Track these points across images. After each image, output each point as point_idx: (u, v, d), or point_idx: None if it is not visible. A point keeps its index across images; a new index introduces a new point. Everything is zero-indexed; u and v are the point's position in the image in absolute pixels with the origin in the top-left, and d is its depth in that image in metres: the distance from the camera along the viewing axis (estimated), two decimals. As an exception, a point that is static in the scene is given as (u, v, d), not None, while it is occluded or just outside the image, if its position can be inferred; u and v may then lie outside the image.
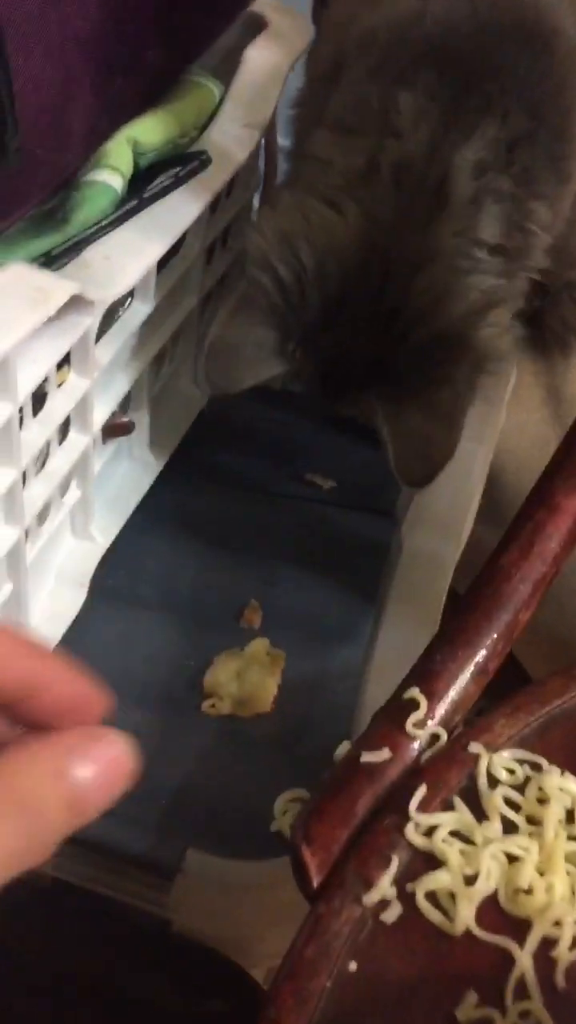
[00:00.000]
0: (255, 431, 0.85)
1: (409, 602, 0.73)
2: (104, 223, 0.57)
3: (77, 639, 0.69)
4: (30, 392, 0.56)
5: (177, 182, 0.61)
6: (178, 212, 0.65)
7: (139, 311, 0.69)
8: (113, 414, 0.71)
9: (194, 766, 0.64)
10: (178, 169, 0.62)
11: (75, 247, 0.56)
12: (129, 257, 0.59)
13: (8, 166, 0.49)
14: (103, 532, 0.74)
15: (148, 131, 0.64)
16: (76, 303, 0.58)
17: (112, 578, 0.73)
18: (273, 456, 0.84)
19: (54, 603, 0.70)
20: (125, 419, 0.73)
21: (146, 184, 0.62)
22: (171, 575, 0.75)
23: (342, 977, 0.41)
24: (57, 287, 0.51)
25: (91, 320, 0.60)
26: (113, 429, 0.72)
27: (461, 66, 0.61)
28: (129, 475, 0.78)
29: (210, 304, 0.81)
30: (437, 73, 0.61)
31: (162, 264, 0.69)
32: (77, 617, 0.70)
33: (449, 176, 0.60)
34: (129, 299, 0.69)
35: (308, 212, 0.62)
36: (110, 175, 0.60)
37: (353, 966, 0.41)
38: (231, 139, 0.72)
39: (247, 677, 0.68)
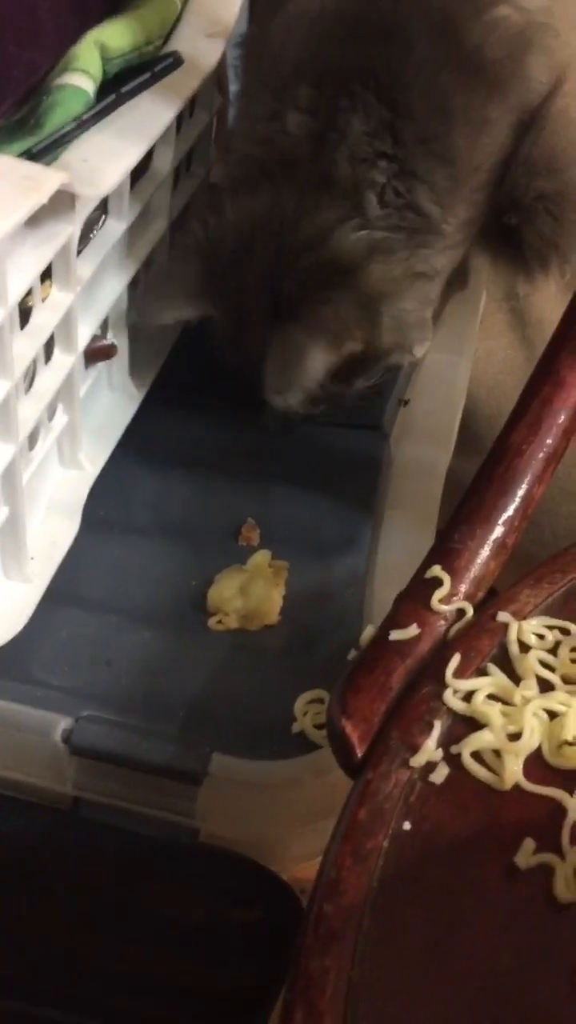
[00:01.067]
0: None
1: (406, 508, 0.73)
2: (85, 117, 0.56)
3: (74, 568, 0.68)
4: (18, 299, 0.54)
5: (153, 78, 0.60)
6: (152, 117, 0.64)
7: (114, 228, 0.68)
8: (95, 337, 0.69)
9: (207, 679, 0.63)
10: (152, 68, 0.60)
11: (54, 144, 0.54)
12: (108, 159, 0.58)
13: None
14: (91, 460, 0.72)
15: (115, 36, 0.62)
16: (57, 209, 0.56)
17: (104, 508, 0.72)
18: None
19: (49, 532, 0.68)
20: (107, 342, 0.71)
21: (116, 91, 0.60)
22: (164, 501, 0.74)
23: (398, 836, 0.41)
24: (47, 175, 0.50)
25: (72, 228, 0.59)
26: (96, 352, 0.70)
27: (332, 72, 0.68)
28: (112, 404, 0.77)
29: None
30: (316, 88, 0.68)
31: (132, 184, 0.68)
32: (73, 547, 0.69)
33: (330, 171, 0.67)
34: (103, 216, 0.68)
35: (231, 195, 0.71)
36: (81, 78, 0.59)
37: (407, 825, 0.41)
38: (195, 48, 0.70)
39: (251, 590, 0.67)
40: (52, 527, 0.69)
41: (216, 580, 0.68)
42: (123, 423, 0.76)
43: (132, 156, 0.60)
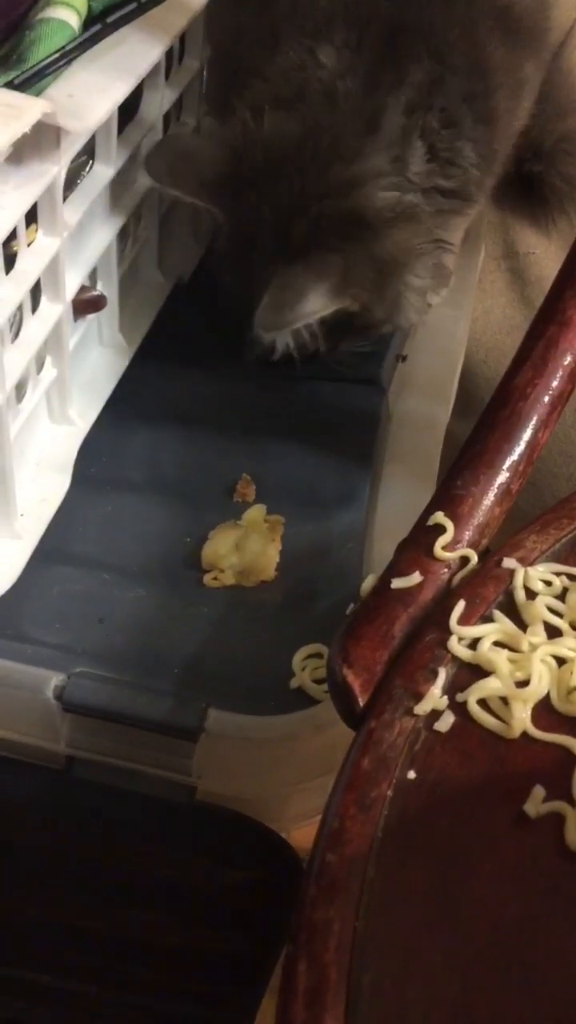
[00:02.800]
0: (228, 310, 0.82)
1: (405, 462, 0.72)
2: (68, 48, 0.53)
3: (66, 524, 0.66)
4: (3, 237, 0.52)
5: (139, 8, 0.58)
6: (138, 53, 0.62)
7: (101, 174, 0.66)
8: (83, 288, 0.67)
9: (203, 635, 0.62)
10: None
11: (37, 75, 0.52)
12: (94, 94, 0.56)
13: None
14: (81, 416, 0.70)
15: (101, -31, 0.60)
16: (41, 147, 0.54)
17: (95, 465, 0.70)
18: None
19: (39, 489, 0.67)
20: (96, 292, 0.69)
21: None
22: (157, 458, 0.72)
23: (402, 785, 0.39)
24: (30, 103, 0.47)
25: (57, 168, 0.57)
26: (85, 303, 0.68)
27: (374, 21, 0.66)
28: (102, 359, 0.75)
29: (171, 220, 0.80)
30: (355, 33, 0.66)
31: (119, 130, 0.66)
32: (64, 504, 0.67)
33: (381, 114, 0.64)
34: (90, 162, 0.66)
35: (271, 105, 0.66)
36: (65, 11, 0.57)
37: (412, 774, 0.40)
38: (184, -14, 0.68)
39: (247, 546, 0.65)
40: (42, 483, 0.67)
41: (211, 536, 0.66)
42: (114, 378, 0.74)
43: (119, 91, 0.58)
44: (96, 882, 0.62)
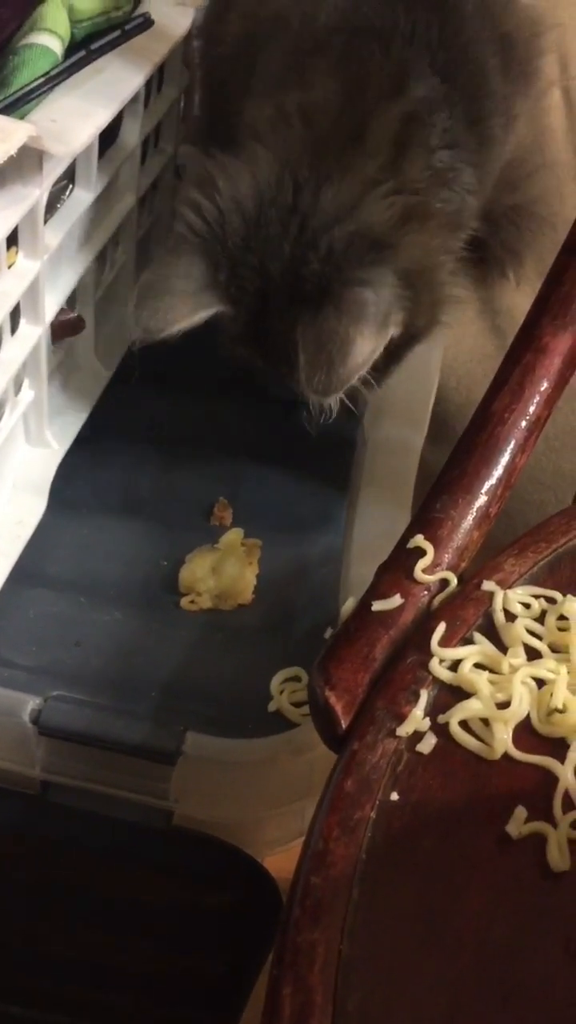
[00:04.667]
0: (204, 336, 0.83)
1: (381, 487, 0.72)
2: (53, 73, 0.54)
3: (41, 547, 0.66)
4: (-16, 263, 0.53)
5: (123, 36, 0.58)
6: (120, 80, 0.62)
7: (81, 199, 0.66)
8: (62, 310, 0.67)
9: (181, 659, 0.62)
10: (122, 26, 0.58)
11: (21, 99, 0.52)
12: (77, 119, 0.56)
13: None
14: (58, 439, 0.70)
15: (84, -4, 0.60)
16: (23, 171, 0.54)
17: (71, 489, 0.70)
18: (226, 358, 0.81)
19: (15, 511, 0.66)
20: (74, 315, 0.70)
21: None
22: (133, 482, 0.72)
23: (385, 807, 0.39)
24: (16, 126, 0.48)
25: (39, 192, 0.57)
26: (63, 326, 0.68)
27: (375, 35, 0.62)
28: (79, 384, 0.75)
29: (148, 244, 0.79)
30: (350, 39, 0.62)
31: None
32: (40, 527, 0.67)
33: (368, 119, 0.60)
34: (70, 187, 0.66)
35: (223, 160, 0.62)
36: (48, 38, 0.57)
37: (395, 796, 0.40)
38: (164, 16, 0.69)
39: (224, 570, 0.65)
40: (18, 506, 0.67)
41: (188, 560, 0.66)
42: (90, 402, 0.74)
43: (101, 117, 0.58)
44: (69, 908, 0.61)
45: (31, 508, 0.67)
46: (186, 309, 0.60)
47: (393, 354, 0.63)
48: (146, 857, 0.60)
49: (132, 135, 0.72)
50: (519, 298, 1.05)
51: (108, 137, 0.69)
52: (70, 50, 0.61)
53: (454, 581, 0.49)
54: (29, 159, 0.55)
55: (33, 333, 0.63)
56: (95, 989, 0.62)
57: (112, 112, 0.59)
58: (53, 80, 0.54)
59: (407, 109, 0.61)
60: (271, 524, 0.69)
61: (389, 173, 0.60)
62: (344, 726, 0.43)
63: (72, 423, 0.72)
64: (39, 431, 0.69)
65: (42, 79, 0.54)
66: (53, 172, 0.58)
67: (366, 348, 0.57)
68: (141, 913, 0.61)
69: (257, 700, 0.59)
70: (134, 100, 0.70)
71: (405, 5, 0.63)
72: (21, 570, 0.64)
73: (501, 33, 0.66)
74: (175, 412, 0.76)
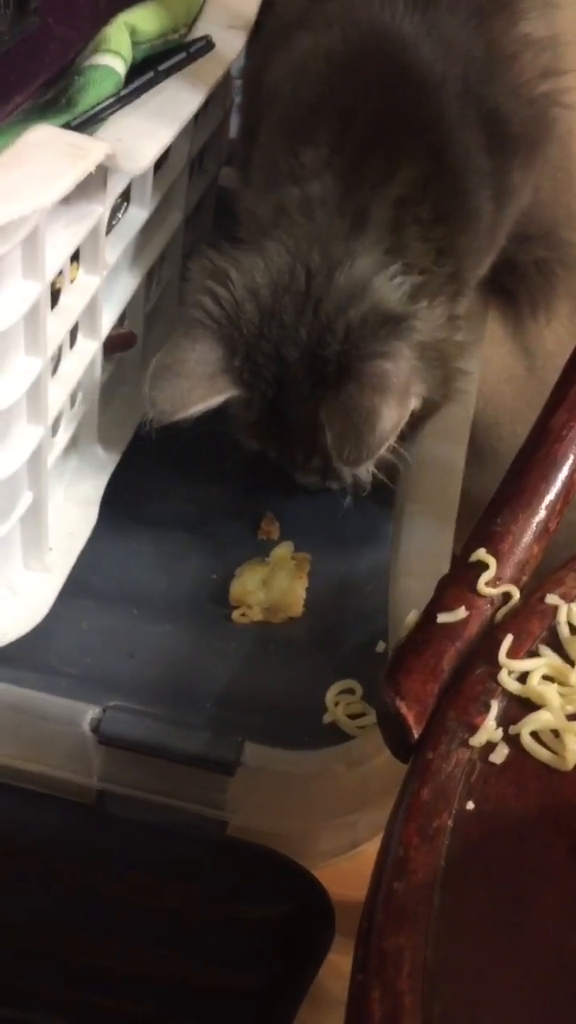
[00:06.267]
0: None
1: (426, 502, 0.72)
2: (123, 93, 0.55)
3: (92, 560, 0.67)
4: (53, 276, 0.53)
5: (188, 58, 0.60)
6: (180, 101, 0.63)
7: (136, 216, 0.68)
8: (114, 326, 0.68)
9: (234, 671, 0.62)
10: (187, 49, 0.59)
11: (92, 119, 0.53)
12: (141, 138, 0.57)
13: (28, 24, 0.46)
14: (109, 452, 0.71)
15: (145, 19, 0.62)
16: (88, 190, 0.56)
17: (121, 501, 0.71)
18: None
19: (67, 523, 0.67)
20: (126, 330, 0.71)
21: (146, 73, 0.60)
22: (181, 495, 0.73)
23: (462, 815, 0.40)
24: (93, 144, 0.49)
25: (103, 209, 0.58)
26: (116, 341, 0.69)
27: (363, 122, 0.64)
28: (127, 399, 0.75)
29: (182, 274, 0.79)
30: (339, 127, 0.63)
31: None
32: (90, 539, 0.68)
33: (367, 208, 0.62)
34: (125, 204, 0.67)
35: (233, 253, 0.63)
36: (112, 59, 0.58)
37: (471, 805, 0.40)
38: (217, 39, 0.70)
39: (274, 583, 0.66)
40: (70, 518, 0.68)
41: (238, 573, 0.67)
42: (139, 416, 0.75)
43: (165, 136, 0.59)
44: (120, 920, 0.62)
45: (82, 520, 0.68)
46: (201, 392, 0.61)
47: (416, 426, 0.65)
48: (199, 868, 0.60)
49: (182, 154, 0.73)
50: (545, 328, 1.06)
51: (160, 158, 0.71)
52: (131, 71, 0.62)
53: (517, 595, 0.49)
54: (95, 177, 0.56)
55: (90, 348, 0.64)
56: (144, 1003, 0.62)
57: (175, 131, 0.60)
58: (124, 100, 0.55)
59: (400, 193, 0.63)
60: (318, 540, 0.70)
61: (394, 255, 0.62)
62: (416, 735, 0.43)
63: (121, 437, 0.73)
64: (90, 445, 0.70)
65: (113, 99, 0.55)
66: (115, 190, 0.59)
67: (392, 417, 0.58)
68: (192, 925, 0.62)
69: (311, 712, 0.59)
70: (183, 127, 0.72)
71: (385, 89, 0.64)
72: (72, 582, 0.65)
73: (486, 111, 0.67)
74: (222, 429, 0.77)
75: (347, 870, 0.61)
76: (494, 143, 0.66)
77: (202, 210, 0.85)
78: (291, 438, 0.63)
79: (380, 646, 0.63)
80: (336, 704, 0.59)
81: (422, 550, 0.68)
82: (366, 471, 0.61)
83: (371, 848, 0.62)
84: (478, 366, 0.89)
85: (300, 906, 0.58)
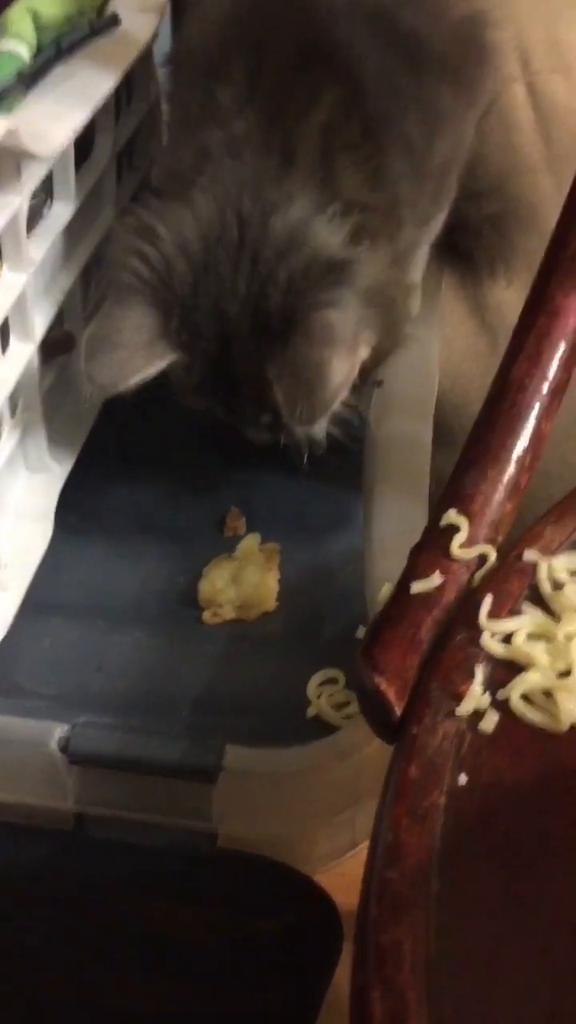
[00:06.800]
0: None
1: (395, 482, 0.69)
2: (26, 73, 0.52)
3: (52, 573, 0.64)
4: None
5: (93, 33, 0.57)
6: (90, 84, 0.61)
7: (61, 211, 0.65)
8: (50, 329, 0.65)
9: (209, 674, 0.59)
10: (92, 25, 0.57)
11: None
12: (52, 122, 0.55)
13: None
14: (59, 461, 0.68)
15: (48, 3, 0.59)
16: (2, 175, 0.53)
17: (77, 511, 0.68)
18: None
19: (20, 539, 0.64)
20: (64, 332, 0.68)
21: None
22: (139, 501, 0.70)
23: (454, 791, 0.36)
24: (-6, 122, 0.46)
25: (20, 199, 0.55)
26: (53, 344, 0.66)
27: (273, 47, 0.61)
28: (73, 405, 0.72)
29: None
30: (253, 62, 0.61)
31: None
32: (48, 552, 0.65)
33: (293, 140, 0.59)
34: (49, 200, 0.65)
35: (158, 206, 0.60)
36: (15, 44, 0.56)
37: (463, 779, 0.37)
38: (129, 22, 0.67)
39: (244, 578, 0.63)
40: (24, 533, 0.65)
41: (205, 573, 0.64)
42: (88, 422, 0.72)
43: (77, 119, 0.57)
44: (112, 954, 0.58)
45: (37, 534, 0.65)
46: (139, 362, 0.58)
47: (365, 376, 0.62)
48: (192, 887, 0.56)
49: (106, 147, 0.71)
50: (508, 294, 1.04)
51: (83, 152, 0.68)
52: (36, 58, 0.59)
53: (493, 555, 0.46)
54: (6, 165, 0.53)
55: (24, 351, 0.61)
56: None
57: (86, 115, 0.58)
58: (28, 81, 0.52)
59: (324, 119, 0.60)
60: (286, 529, 0.67)
61: (329, 192, 0.59)
62: (398, 712, 0.40)
63: (71, 445, 0.70)
64: (39, 455, 0.67)
65: (14, 81, 0.52)
66: (32, 179, 0.56)
67: (343, 370, 0.55)
68: (191, 952, 0.58)
69: (294, 708, 0.56)
70: (105, 111, 0.69)
71: (294, 16, 0.62)
72: (32, 599, 0.62)
73: (403, 32, 0.65)
74: (174, 425, 0.74)
75: (350, 873, 0.57)
76: (416, 64, 0.64)
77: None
78: (238, 397, 0.60)
79: (360, 631, 0.60)
80: (319, 696, 0.56)
81: (397, 530, 0.64)
82: (319, 428, 0.58)
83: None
84: (438, 337, 0.86)
85: (303, 916, 0.55)
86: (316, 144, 0.60)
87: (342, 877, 0.58)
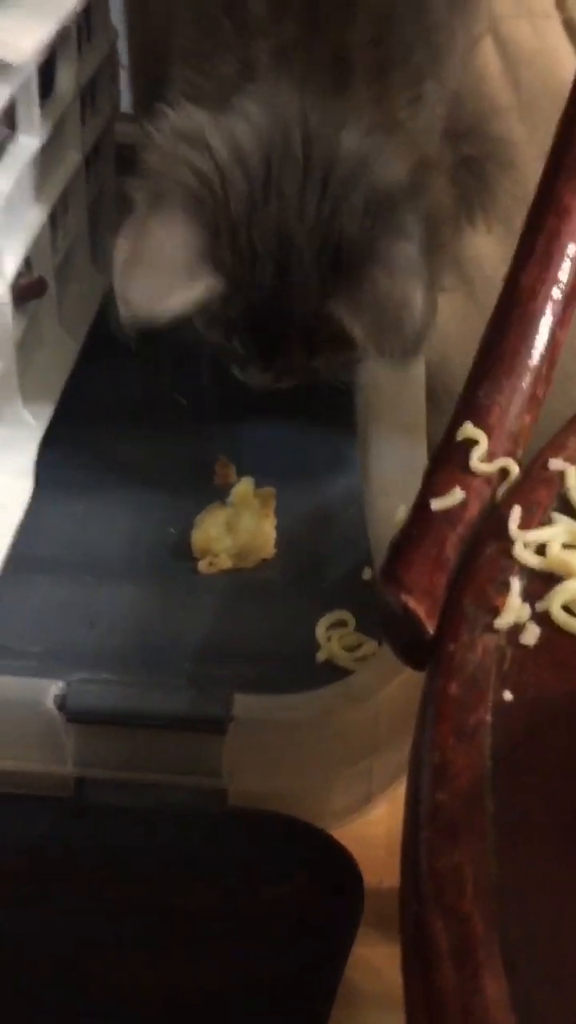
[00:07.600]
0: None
1: (391, 419, 0.66)
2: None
3: (36, 532, 0.60)
4: None
5: None
6: (52, 3, 0.56)
7: (27, 143, 0.61)
8: (20, 274, 0.61)
9: (209, 625, 0.55)
10: None
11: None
12: (17, 34, 0.51)
13: None
14: (35, 415, 0.64)
15: None
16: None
17: (58, 466, 0.64)
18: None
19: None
20: (35, 276, 0.64)
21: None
22: (123, 452, 0.66)
23: (500, 708, 0.33)
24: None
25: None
26: (25, 288, 0.62)
27: None
28: (48, 356, 0.68)
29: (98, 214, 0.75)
30: None
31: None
32: (30, 510, 0.61)
33: (345, 53, 0.55)
34: (14, 134, 0.61)
35: (204, 115, 0.54)
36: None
37: (508, 696, 0.34)
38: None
39: (240, 525, 0.59)
40: (2, 490, 0.61)
41: (197, 522, 0.60)
42: (63, 373, 0.69)
43: (43, 31, 0.53)
44: (121, 927, 0.54)
45: (16, 491, 0.61)
46: (181, 287, 0.52)
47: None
48: (202, 852, 0.53)
49: (68, 82, 0.67)
50: (486, 247, 1.01)
51: (45, 88, 0.64)
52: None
53: (515, 468, 0.43)
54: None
55: (-5, 293, 0.57)
56: (160, 1018, 0.55)
57: (54, 26, 0.54)
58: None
59: (368, 32, 0.56)
60: (281, 472, 0.63)
61: (383, 108, 0.55)
62: (431, 631, 0.37)
63: (47, 398, 0.66)
64: (14, 409, 0.63)
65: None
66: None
67: (426, 303, 0.52)
68: (204, 920, 0.54)
69: (302, 653, 0.53)
70: (67, 46, 0.65)
71: None
72: (16, 557, 0.58)
73: None
74: (154, 375, 0.70)
75: (362, 829, 0.54)
76: None
77: (100, 158, 0.79)
78: (286, 330, 0.55)
79: (367, 573, 0.56)
80: (329, 639, 0.52)
81: (396, 468, 0.62)
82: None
83: (382, 809, 0.55)
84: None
85: (321, 874, 0.51)
86: (368, 60, 0.55)
87: (356, 836, 0.55)
